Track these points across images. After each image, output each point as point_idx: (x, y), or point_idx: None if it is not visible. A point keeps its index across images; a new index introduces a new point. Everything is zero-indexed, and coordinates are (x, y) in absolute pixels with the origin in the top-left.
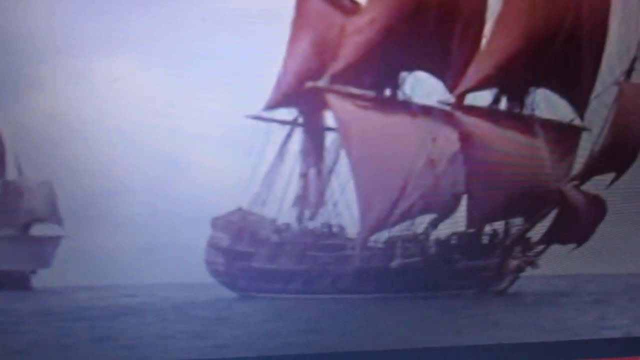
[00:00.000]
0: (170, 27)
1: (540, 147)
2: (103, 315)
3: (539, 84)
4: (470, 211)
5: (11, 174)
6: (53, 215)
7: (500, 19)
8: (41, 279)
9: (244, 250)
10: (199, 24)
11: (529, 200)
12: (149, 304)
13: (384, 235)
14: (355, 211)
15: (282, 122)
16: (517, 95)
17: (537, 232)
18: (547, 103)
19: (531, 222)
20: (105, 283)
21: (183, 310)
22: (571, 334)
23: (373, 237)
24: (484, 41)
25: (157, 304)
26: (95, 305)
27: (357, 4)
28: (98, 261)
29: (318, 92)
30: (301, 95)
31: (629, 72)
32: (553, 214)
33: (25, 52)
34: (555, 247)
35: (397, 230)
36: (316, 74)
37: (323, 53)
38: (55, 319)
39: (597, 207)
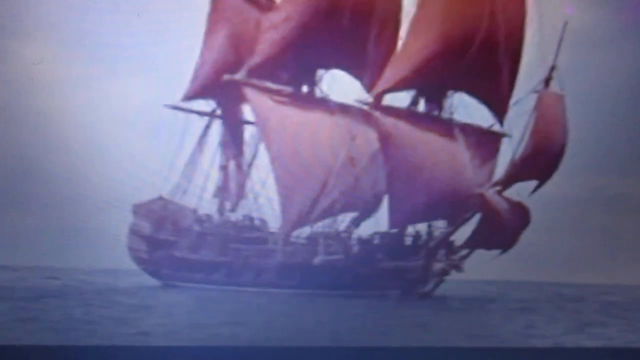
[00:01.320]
0: (87, 14)
1: (460, 150)
2: (26, 296)
3: (456, 87)
4: (391, 211)
5: None
6: None
7: (415, 22)
8: None
9: (165, 238)
10: (116, 12)
11: (451, 203)
12: (72, 288)
13: (306, 231)
14: (276, 205)
15: (201, 114)
16: (436, 98)
17: (461, 235)
18: (465, 107)
19: (454, 225)
20: (27, 264)
21: (106, 296)
22: (499, 340)
23: (295, 232)
24: (400, 43)
25: (80, 287)
26: (18, 286)
27: (272, 0)
28: (20, 242)
29: (235, 85)
30: (219, 88)
31: (547, 81)
32: (476, 219)
33: None
34: (481, 252)
35: (319, 227)
36: (233, 67)
37: (240, 47)
38: None
39: (521, 214)
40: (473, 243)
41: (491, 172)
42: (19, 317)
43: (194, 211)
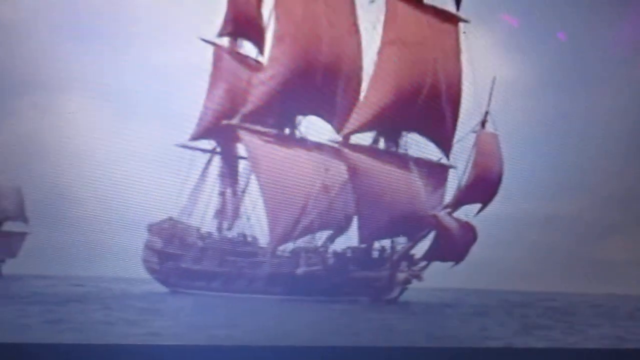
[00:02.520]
0: (114, 72)
1: (415, 179)
2: (56, 300)
3: (409, 129)
4: (360, 229)
5: None
6: (21, 215)
7: (374, 78)
8: (9, 267)
9: (174, 252)
10: (138, 74)
11: (410, 222)
12: (93, 293)
13: (290, 246)
14: (265, 224)
15: (204, 151)
16: (393, 137)
17: (419, 250)
18: (417, 145)
19: (413, 241)
20: (58, 273)
21: (122, 301)
22: (457, 341)
23: (281, 247)
24: (362, 94)
25: (100, 293)
26: (50, 292)
27: (260, 63)
28: (54, 254)
29: (232, 128)
30: (218, 130)
31: (483, 123)
32: (432, 236)
33: (5, 87)
34: (438, 264)
35: (300, 243)
36: (230, 115)
37: (235, 99)
38: (17, 302)
39: (469, 232)
40: (430, 256)
41: (442, 197)
42: (48, 319)
43: (198, 229)
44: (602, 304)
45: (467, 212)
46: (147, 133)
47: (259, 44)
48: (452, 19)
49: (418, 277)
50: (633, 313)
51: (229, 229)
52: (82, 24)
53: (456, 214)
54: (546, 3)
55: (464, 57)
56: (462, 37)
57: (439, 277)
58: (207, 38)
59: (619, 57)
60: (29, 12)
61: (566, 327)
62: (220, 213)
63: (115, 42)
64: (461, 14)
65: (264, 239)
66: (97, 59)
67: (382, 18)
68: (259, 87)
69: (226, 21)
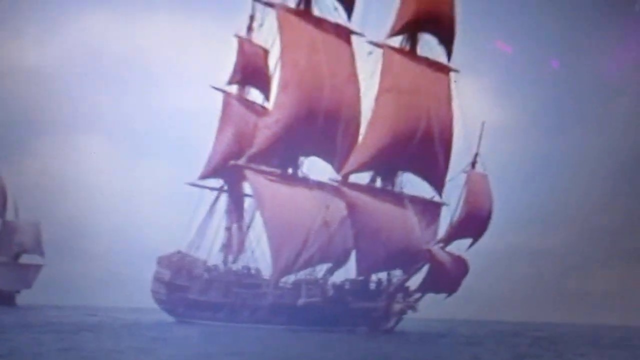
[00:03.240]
0: (130, 115)
1: (410, 216)
2: (69, 329)
3: (404, 169)
4: (358, 263)
5: (10, 215)
6: (37, 248)
7: (371, 122)
8: (24, 298)
9: (181, 284)
10: (153, 117)
11: (405, 256)
12: (105, 323)
13: (291, 278)
14: (268, 258)
15: (212, 189)
16: (389, 177)
17: (414, 282)
18: (412, 183)
19: (408, 273)
20: (72, 303)
21: (132, 330)
22: None
23: (283, 279)
24: (360, 137)
25: (111, 323)
26: (64, 321)
27: (266, 108)
28: (68, 286)
29: (239, 168)
30: (226, 170)
31: (473, 164)
32: (426, 269)
33: (29, 127)
34: (432, 295)
35: (302, 275)
36: (237, 155)
37: (242, 141)
38: (31, 331)
39: (461, 265)
40: (424, 288)
41: (435, 232)
42: (61, 347)
43: (204, 262)
44: (588, 334)
45: (460, 247)
46: (159, 172)
47: (265, 91)
48: (444, 69)
49: (413, 307)
50: (617, 342)
51: (234, 261)
52: (100, 71)
53: (449, 248)
54: (532, 48)
55: (455, 104)
56: (453, 85)
57: (433, 308)
58: (217, 86)
59: (602, 98)
60: (53, 58)
61: (555, 356)
62: (226, 247)
63: (132, 87)
64: (452, 64)
65: (267, 271)
66: (114, 102)
67: (379, 68)
68: (265, 131)
69: (235, 71)
